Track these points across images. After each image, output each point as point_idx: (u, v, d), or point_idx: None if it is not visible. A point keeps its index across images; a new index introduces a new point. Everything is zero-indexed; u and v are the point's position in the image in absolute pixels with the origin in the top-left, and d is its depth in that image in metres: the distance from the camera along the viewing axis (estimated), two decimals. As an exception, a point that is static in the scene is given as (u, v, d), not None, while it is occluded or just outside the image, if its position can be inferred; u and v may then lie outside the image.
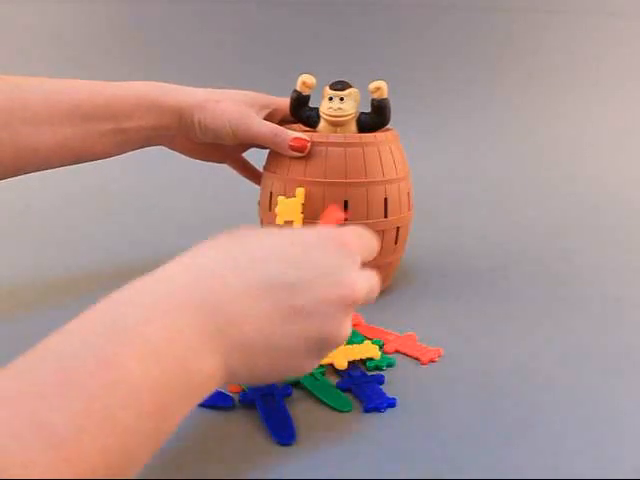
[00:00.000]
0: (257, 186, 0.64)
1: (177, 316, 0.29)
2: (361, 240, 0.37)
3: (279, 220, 0.56)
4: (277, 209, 0.56)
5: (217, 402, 0.42)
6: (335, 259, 0.34)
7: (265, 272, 0.32)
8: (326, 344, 0.34)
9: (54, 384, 0.24)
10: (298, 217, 0.55)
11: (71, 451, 0.23)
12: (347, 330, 0.35)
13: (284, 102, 0.60)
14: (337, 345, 0.35)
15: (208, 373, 0.30)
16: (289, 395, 0.43)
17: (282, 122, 0.60)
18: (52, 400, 0.24)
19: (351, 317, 0.35)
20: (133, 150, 0.60)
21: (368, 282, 0.36)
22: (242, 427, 0.40)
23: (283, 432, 0.39)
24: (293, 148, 0.56)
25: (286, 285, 0.32)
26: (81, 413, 0.24)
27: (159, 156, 0.87)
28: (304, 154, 0.56)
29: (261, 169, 0.62)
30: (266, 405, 0.41)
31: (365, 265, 0.36)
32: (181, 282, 0.31)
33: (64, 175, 0.64)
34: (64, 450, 0.23)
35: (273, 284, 0.32)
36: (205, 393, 0.31)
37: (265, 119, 0.59)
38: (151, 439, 0.27)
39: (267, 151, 0.60)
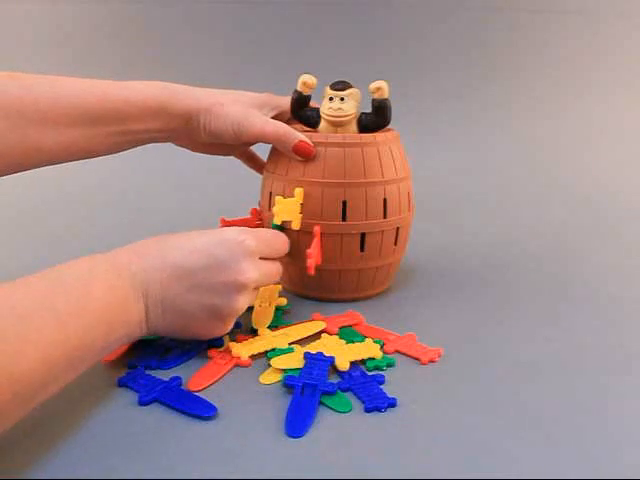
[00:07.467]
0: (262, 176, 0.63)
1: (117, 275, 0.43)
2: (260, 240, 0.49)
3: (277, 220, 0.55)
4: (274, 209, 0.56)
5: (199, 412, 0.41)
6: (228, 252, 0.46)
7: (176, 258, 0.45)
8: (220, 312, 0.46)
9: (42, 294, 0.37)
10: (296, 217, 0.55)
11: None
12: (239, 303, 0.46)
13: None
14: (230, 314, 0.47)
15: (137, 313, 0.43)
16: (332, 393, 0.43)
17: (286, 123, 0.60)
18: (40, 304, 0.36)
19: (246, 294, 0.47)
20: (137, 147, 0.60)
21: (258, 270, 0.47)
22: (242, 427, 0.40)
23: (296, 426, 0.39)
24: (297, 148, 0.55)
25: (189, 267, 0.45)
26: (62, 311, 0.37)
27: (160, 155, 0.87)
28: (305, 159, 0.56)
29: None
30: (301, 394, 0.42)
31: (269, 258, 0.50)
32: (121, 257, 0.44)
33: (61, 172, 0.64)
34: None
35: (181, 266, 0.45)
36: (133, 330, 0.43)
37: (273, 118, 0.58)
38: (95, 347, 0.39)
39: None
